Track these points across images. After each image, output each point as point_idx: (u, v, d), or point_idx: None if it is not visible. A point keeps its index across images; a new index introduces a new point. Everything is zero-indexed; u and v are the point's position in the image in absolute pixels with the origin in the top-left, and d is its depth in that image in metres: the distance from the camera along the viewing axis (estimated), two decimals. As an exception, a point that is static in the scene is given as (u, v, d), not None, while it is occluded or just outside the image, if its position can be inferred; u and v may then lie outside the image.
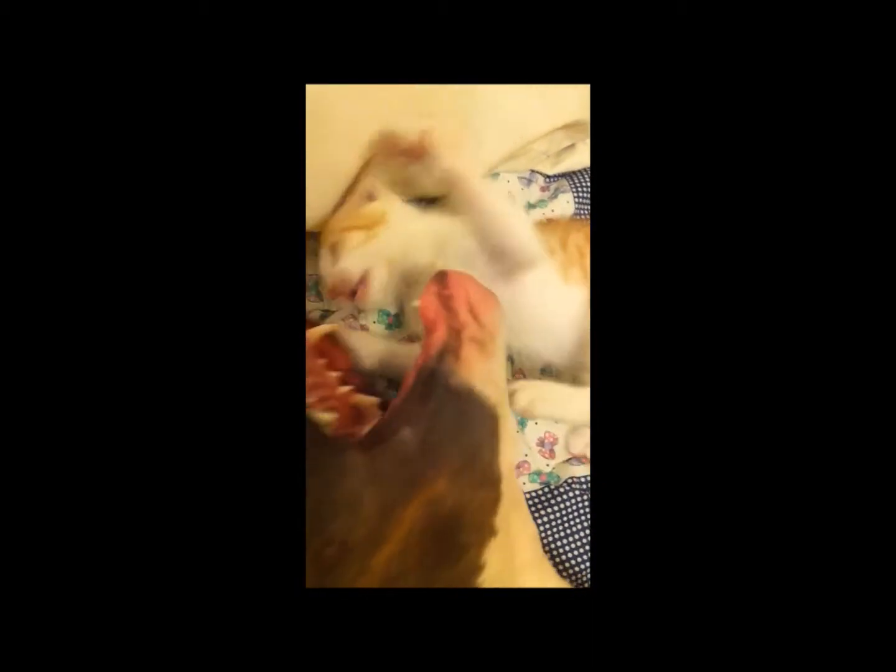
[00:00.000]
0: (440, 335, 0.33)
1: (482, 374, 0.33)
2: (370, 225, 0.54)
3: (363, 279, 0.53)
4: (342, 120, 0.51)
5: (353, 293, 0.53)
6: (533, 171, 0.67)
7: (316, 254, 0.57)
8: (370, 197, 0.56)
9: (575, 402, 0.52)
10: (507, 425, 0.34)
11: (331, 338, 0.37)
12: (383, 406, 0.33)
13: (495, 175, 0.64)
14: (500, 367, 0.35)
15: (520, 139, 0.60)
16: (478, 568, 0.30)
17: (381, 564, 0.27)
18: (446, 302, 0.34)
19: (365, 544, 0.27)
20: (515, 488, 0.35)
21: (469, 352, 0.33)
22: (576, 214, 0.67)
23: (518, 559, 0.34)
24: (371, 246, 0.53)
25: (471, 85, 0.55)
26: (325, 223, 0.55)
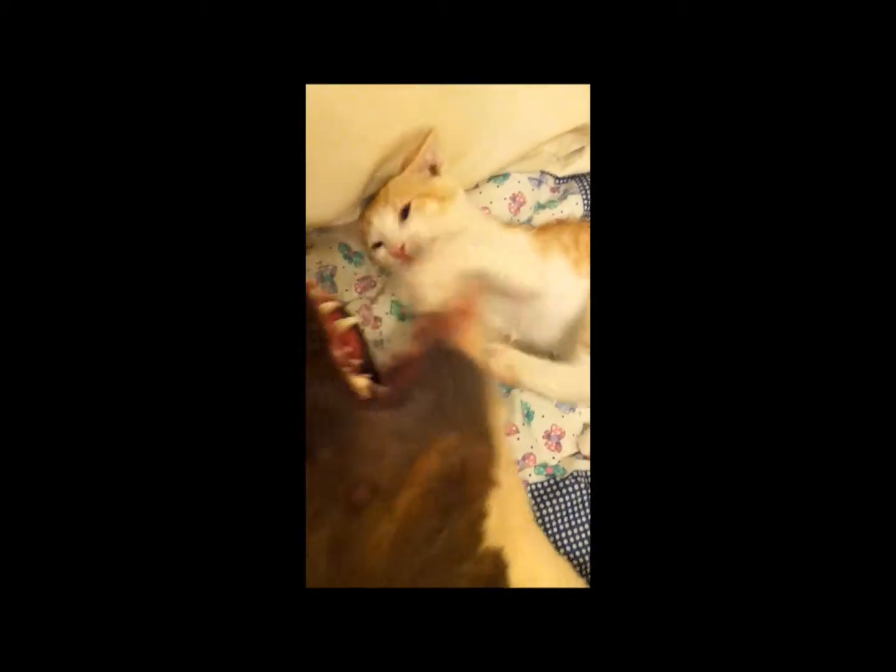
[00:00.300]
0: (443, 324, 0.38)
1: (471, 341, 0.38)
2: (445, 197, 0.56)
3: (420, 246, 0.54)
4: (358, 121, 0.51)
5: (405, 257, 0.55)
6: (543, 172, 0.68)
7: (365, 215, 0.57)
8: (433, 170, 0.58)
9: (556, 377, 0.54)
10: (494, 387, 0.38)
11: (355, 328, 0.42)
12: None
13: (506, 175, 0.66)
14: (481, 334, 0.39)
15: (530, 141, 0.62)
16: (482, 516, 0.33)
17: (404, 505, 0.31)
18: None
19: (390, 487, 0.31)
20: (507, 450, 0.39)
21: (456, 321, 0.38)
22: (585, 216, 0.68)
23: (511, 520, 0.37)
24: (440, 220, 0.55)
25: (482, 86, 0.56)
26: (386, 183, 0.57)
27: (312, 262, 0.64)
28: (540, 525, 0.57)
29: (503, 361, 0.52)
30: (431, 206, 0.55)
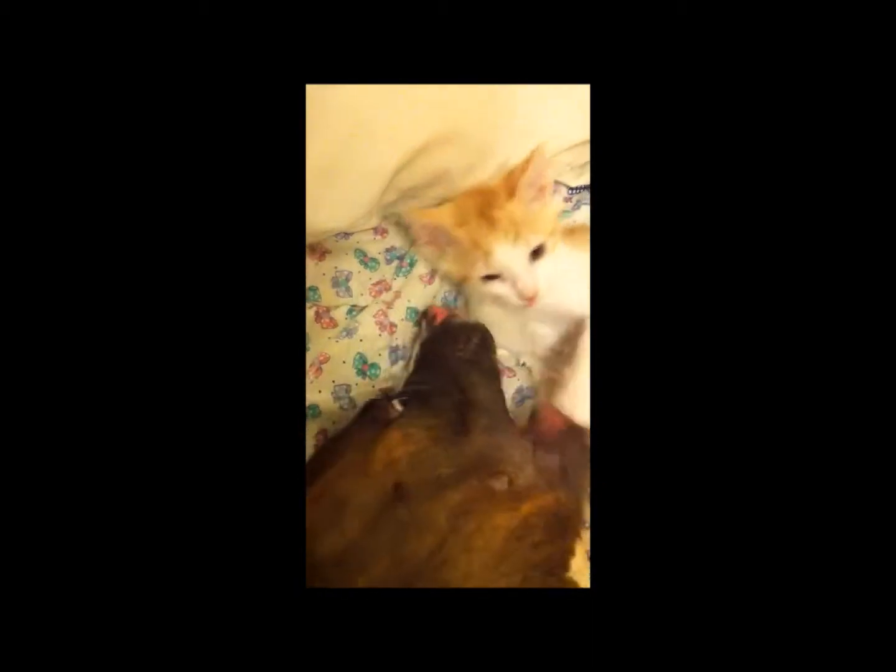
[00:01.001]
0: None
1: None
2: (555, 231, 0.54)
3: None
4: (378, 122, 0.50)
5: (531, 300, 0.52)
6: (557, 182, 0.68)
7: (475, 241, 0.53)
8: (544, 195, 0.55)
9: None
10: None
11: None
12: None
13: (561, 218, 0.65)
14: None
15: (547, 150, 0.60)
16: (571, 552, 0.39)
17: (526, 512, 0.38)
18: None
19: (522, 490, 0.39)
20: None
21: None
22: None
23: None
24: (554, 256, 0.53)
25: (503, 91, 0.56)
26: (513, 217, 0.53)
27: (328, 267, 0.63)
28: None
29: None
30: (554, 244, 0.53)
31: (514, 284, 0.52)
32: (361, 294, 0.63)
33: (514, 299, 0.52)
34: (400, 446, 0.40)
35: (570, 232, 0.60)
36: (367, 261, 0.64)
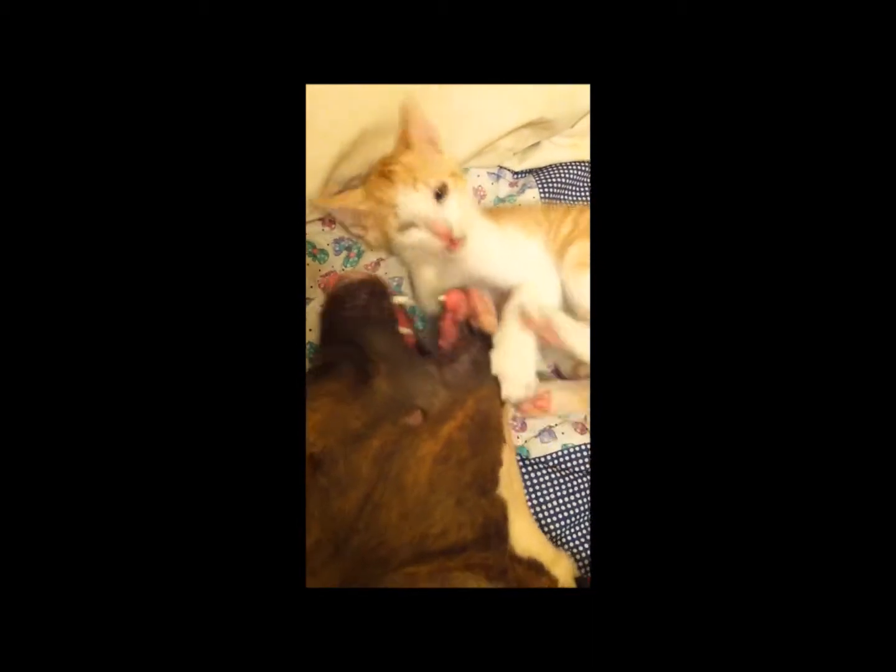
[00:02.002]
0: (462, 310, 0.51)
1: (491, 327, 0.51)
2: (459, 176, 0.55)
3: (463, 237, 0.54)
4: (323, 119, 0.52)
5: (453, 242, 0.53)
6: (501, 167, 0.70)
7: (374, 196, 0.55)
8: (434, 145, 0.56)
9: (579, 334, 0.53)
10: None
11: (402, 307, 0.53)
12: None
13: (466, 170, 0.67)
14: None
15: (487, 136, 0.63)
16: (499, 462, 0.42)
17: (447, 433, 0.40)
18: (464, 293, 0.52)
19: (437, 416, 0.41)
20: (508, 417, 0.51)
21: (483, 316, 0.51)
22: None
23: (514, 481, 0.45)
24: (466, 201, 0.55)
25: (442, 85, 0.57)
26: (410, 165, 0.54)
27: None
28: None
29: (540, 321, 0.51)
30: (460, 185, 0.54)
31: (427, 228, 0.53)
32: (311, 286, 0.62)
33: (435, 244, 0.53)
34: (308, 418, 0.40)
35: (499, 212, 0.62)
36: (315, 253, 0.64)
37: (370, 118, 0.55)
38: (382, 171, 0.55)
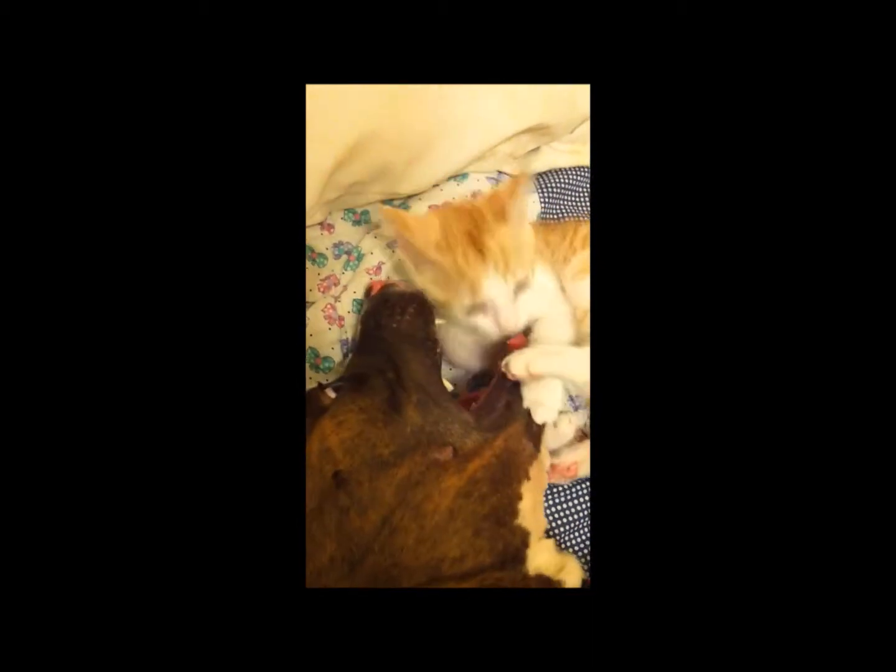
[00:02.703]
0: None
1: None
2: (535, 260, 0.53)
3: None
4: (320, 120, 0.51)
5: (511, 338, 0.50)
6: (500, 171, 0.69)
7: (466, 275, 0.49)
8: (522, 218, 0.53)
9: (572, 358, 0.50)
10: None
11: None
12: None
13: (465, 175, 0.67)
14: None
15: (486, 141, 0.62)
16: (519, 497, 0.42)
17: (472, 470, 0.41)
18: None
19: (465, 455, 0.41)
20: (544, 455, 0.49)
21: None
22: (543, 214, 0.69)
23: (538, 513, 0.46)
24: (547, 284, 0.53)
25: (439, 86, 0.56)
26: (500, 239, 0.49)
27: None
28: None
29: (521, 364, 0.48)
30: (544, 280, 0.50)
31: (496, 318, 0.49)
32: (310, 290, 0.62)
33: (493, 333, 0.50)
34: (333, 434, 0.41)
35: None
36: (314, 257, 0.63)
37: (368, 124, 0.54)
38: (475, 239, 0.49)
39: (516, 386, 0.47)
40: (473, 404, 0.47)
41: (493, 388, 0.47)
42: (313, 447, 0.41)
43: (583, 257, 0.56)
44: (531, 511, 0.42)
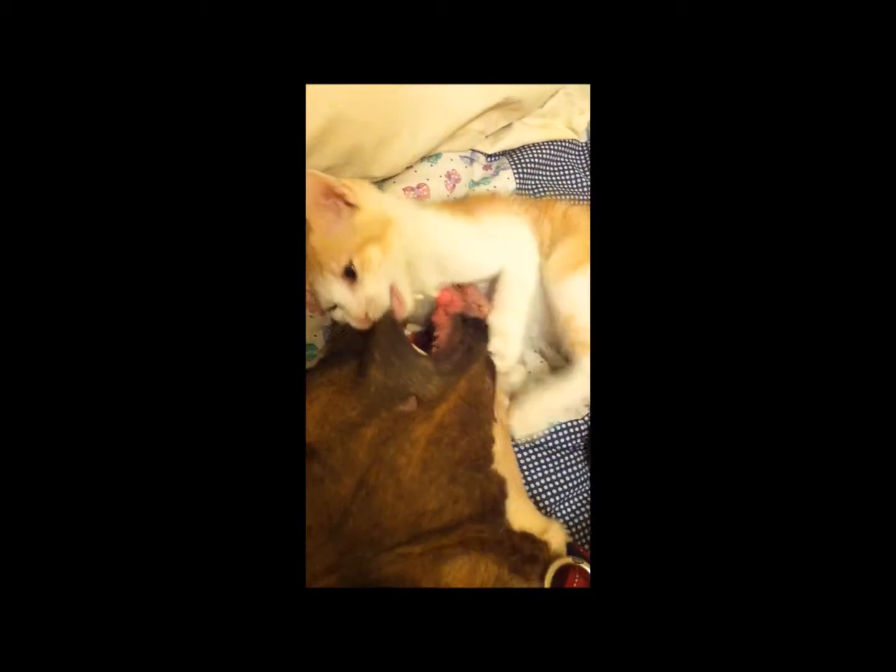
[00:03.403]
0: (456, 305, 0.52)
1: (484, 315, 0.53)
2: (382, 233, 0.49)
3: (396, 295, 0.49)
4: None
5: (369, 321, 0.48)
6: (473, 150, 0.69)
7: (312, 287, 0.50)
8: (349, 204, 0.50)
9: (567, 391, 0.54)
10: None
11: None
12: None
13: (438, 155, 0.66)
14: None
15: (455, 120, 0.62)
16: (491, 439, 0.43)
17: (439, 415, 0.41)
18: (458, 289, 0.54)
19: (430, 400, 0.42)
20: (502, 395, 0.52)
21: (477, 308, 0.53)
22: (518, 189, 0.69)
23: (510, 459, 0.47)
24: (389, 259, 0.49)
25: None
26: (314, 249, 0.49)
27: None
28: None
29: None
30: (374, 253, 0.48)
31: (345, 312, 0.49)
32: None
33: (357, 322, 0.49)
34: (307, 410, 0.40)
35: (470, 203, 0.60)
36: None
37: (335, 107, 0.54)
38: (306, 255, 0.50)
39: (475, 327, 0.50)
40: (434, 349, 0.48)
41: (451, 331, 0.49)
42: None
43: (565, 252, 0.56)
44: (503, 455, 0.43)
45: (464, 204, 0.61)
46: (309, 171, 0.47)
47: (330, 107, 0.53)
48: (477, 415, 0.43)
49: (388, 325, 0.47)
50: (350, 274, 0.48)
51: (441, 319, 0.51)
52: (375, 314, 0.47)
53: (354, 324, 0.48)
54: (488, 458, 0.42)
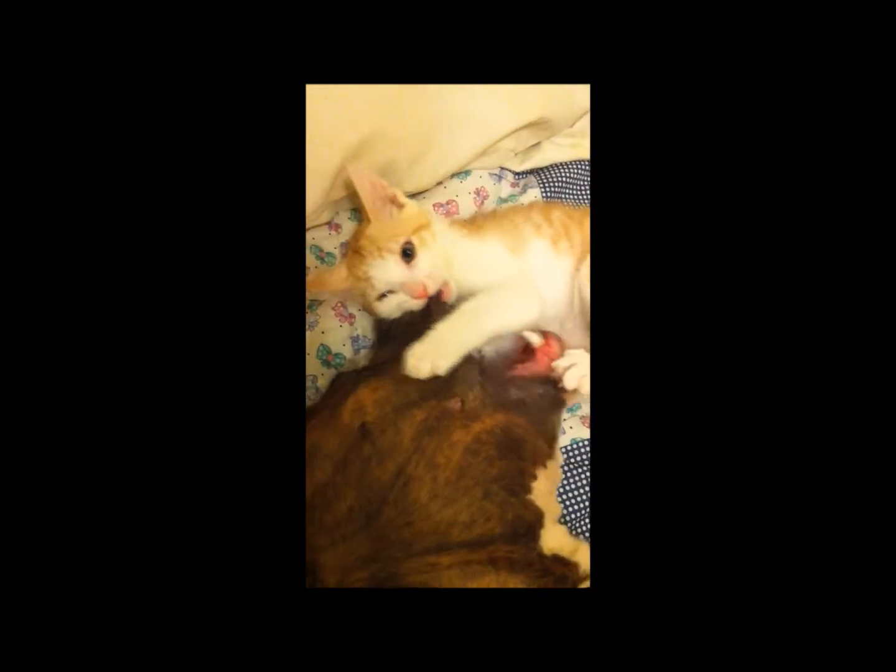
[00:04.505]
0: (554, 353, 0.52)
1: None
2: (426, 223, 0.55)
3: (444, 281, 0.53)
4: (324, 121, 0.52)
5: (438, 293, 0.53)
6: (502, 168, 0.71)
7: (355, 274, 0.55)
8: (396, 203, 0.56)
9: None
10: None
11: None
12: None
13: (468, 172, 0.68)
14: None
15: (487, 138, 0.64)
16: (533, 476, 0.44)
17: (476, 429, 0.42)
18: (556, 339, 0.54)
19: (469, 412, 0.43)
20: (557, 454, 0.52)
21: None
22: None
23: (552, 501, 0.48)
24: (438, 247, 0.54)
25: (440, 86, 0.58)
26: (372, 237, 0.55)
27: None
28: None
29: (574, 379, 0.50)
30: (427, 234, 0.54)
31: (403, 291, 0.53)
32: (320, 289, 0.63)
33: (412, 301, 0.54)
34: (368, 396, 0.44)
35: (487, 222, 0.61)
36: (323, 256, 0.64)
37: (371, 124, 0.55)
38: (355, 247, 0.56)
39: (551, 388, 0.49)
40: (513, 371, 0.50)
41: (527, 371, 0.50)
42: (348, 408, 0.43)
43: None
44: (546, 494, 0.44)
45: (482, 223, 0.61)
46: (369, 175, 0.55)
47: (370, 121, 0.55)
48: (517, 449, 0.43)
49: (443, 310, 0.49)
50: (407, 254, 0.53)
51: (539, 359, 0.51)
52: (433, 288, 0.52)
53: (411, 301, 0.53)
54: (526, 489, 0.42)
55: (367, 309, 0.59)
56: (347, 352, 0.61)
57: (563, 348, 0.52)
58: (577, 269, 0.56)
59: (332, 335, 0.61)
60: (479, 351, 0.50)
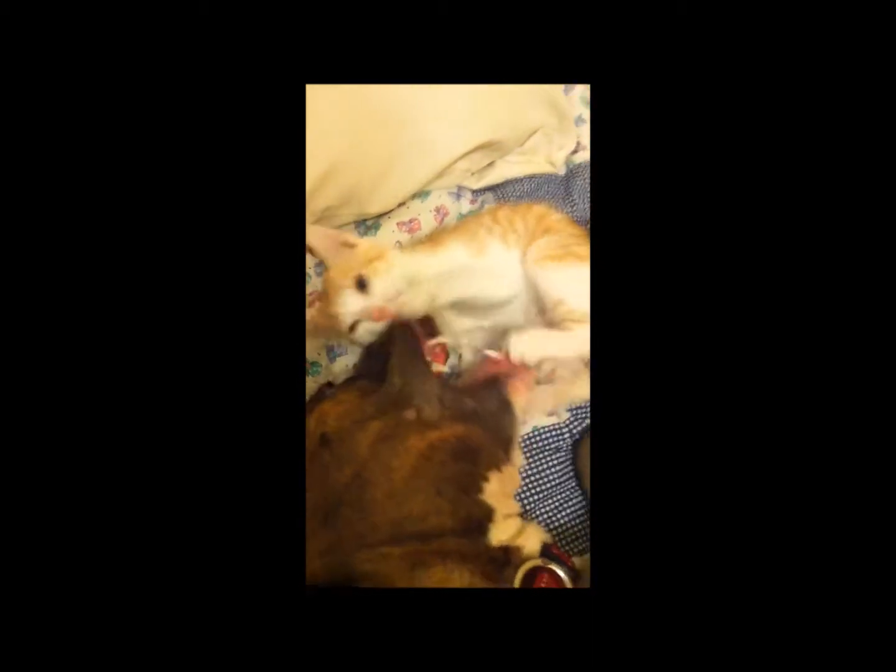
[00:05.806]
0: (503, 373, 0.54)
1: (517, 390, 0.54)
2: (380, 254, 0.58)
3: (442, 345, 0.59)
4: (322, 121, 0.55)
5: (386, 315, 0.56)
6: (460, 186, 0.75)
7: (326, 313, 0.58)
8: (349, 245, 0.61)
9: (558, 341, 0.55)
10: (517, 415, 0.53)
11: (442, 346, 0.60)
12: None
13: (428, 192, 0.73)
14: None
15: (442, 161, 0.70)
16: (486, 479, 0.45)
17: (431, 437, 0.44)
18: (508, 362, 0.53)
19: (425, 421, 0.46)
20: (516, 458, 0.53)
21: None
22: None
23: (506, 500, 0.49)
24: (395, 273, 0.57)
25: (397, 114, 0.63)
26: (332, 280, 0.59)
27: None
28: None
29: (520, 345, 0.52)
30: (378, 264, 0.57)
31: (363, 317, 0.56)
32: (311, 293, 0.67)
33: (377, 324, 0.57)
34: (332, 409, 0.47)
35: (444, 235, 0.64)
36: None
37: (336, 152, 0.60)
38: (321, 293, 0.60)
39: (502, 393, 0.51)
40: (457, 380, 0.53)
41: (479, 378, 0.52)
42: (313, 420, 0.46)
43: (545, 244, 0.59)
44: (499, 494, 0.46)
45: (440, 237, 0.65)
46: (321, 229, 0.62)
47: (334, 151, 0.62)
48: (472, 458, 0.45)
49: (405, 332, 0.52)
50: (362, 285, 0.56)
51: (482, 372, 0.54)
52: (393, 309, 0.55)
53: (372, 324, 0.55)
54: (478, 489, 0.44)
55: (347, 340, 0.62)
56: (323, 360, 0.66)
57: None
58: (525, 255, 0.59)
59: (309, 344, 0.65)
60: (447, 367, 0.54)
